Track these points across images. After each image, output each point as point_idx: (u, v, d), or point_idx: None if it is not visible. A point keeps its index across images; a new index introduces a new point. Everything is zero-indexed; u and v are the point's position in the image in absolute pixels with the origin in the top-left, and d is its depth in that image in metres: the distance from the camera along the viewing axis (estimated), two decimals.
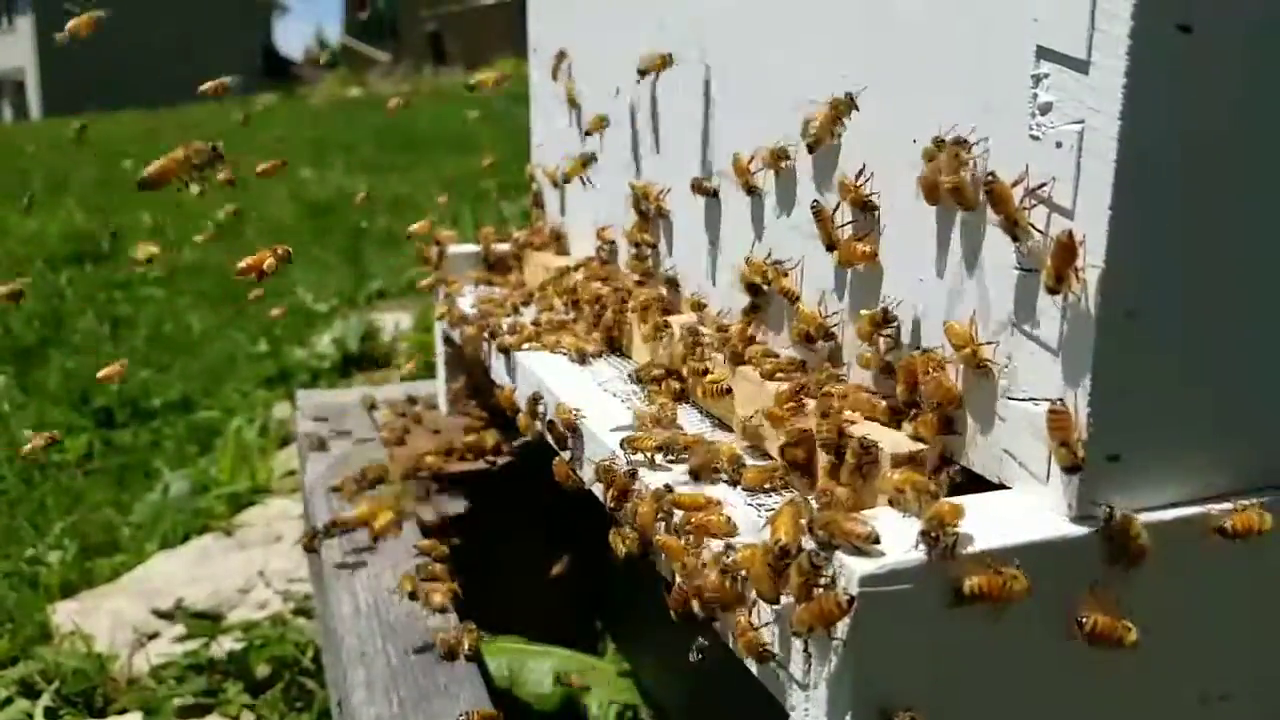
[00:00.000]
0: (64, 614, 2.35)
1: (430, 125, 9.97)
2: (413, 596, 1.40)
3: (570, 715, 1.71)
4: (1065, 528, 0.79)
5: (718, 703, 1.62)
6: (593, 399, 1.27)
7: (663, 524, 0.94)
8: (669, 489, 0.95)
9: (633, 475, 1.02)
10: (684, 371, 1.21)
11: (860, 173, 0.98)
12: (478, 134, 8.51)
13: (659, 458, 1.04)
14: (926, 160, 0.88)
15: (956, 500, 0.77)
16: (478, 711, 1.14)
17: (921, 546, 0.72)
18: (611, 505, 1.04)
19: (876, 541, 0.73)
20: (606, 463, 1.06)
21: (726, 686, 1.40)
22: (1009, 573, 0.72)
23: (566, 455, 1.21)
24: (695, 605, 0.87)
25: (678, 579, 0.90)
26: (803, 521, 0.76)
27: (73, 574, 2.60)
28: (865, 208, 0.98)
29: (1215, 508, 0.80)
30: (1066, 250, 0.74)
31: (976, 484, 0.88)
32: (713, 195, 1.28)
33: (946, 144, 0.85)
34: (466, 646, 1.25)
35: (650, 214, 1.46)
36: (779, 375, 1.07)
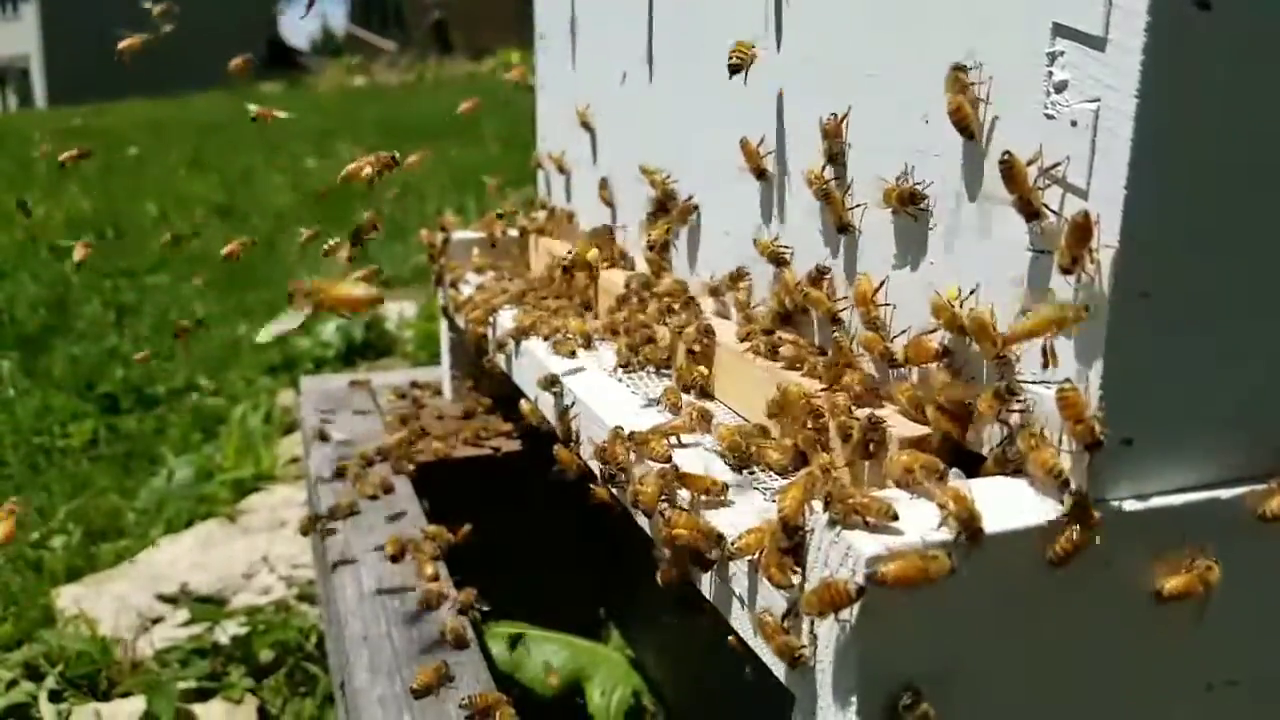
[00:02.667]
0: (68, 598, 2.36)
1: (434, 114, 9.95)
2: (395, 560, 1.43)
3: (572, 701, 1.71)
4: None
5: (719, 689, 1.62)
6: (595, 381, 1.26)
7: (667, 503, 0.94)
8: (675, 468, 0.94)
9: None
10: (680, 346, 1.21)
11: (901, 175, 0.94)
12: (481, 123, 8.50)
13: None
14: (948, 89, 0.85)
15: (965, 490, 0.76)
16: (481, 695, 1.14)
17: (959, 539, 0.72)
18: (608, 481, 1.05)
19: (895, 518, 0.72)
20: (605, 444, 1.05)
21: (728, 672, 1.40)
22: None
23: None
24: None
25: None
26: (814, 497, 0.75)
27: (77, 558, 2.61)
28: (913, 200, 0.92)
29: (1256, 489, 0.80)
30: (1082, 231, 0.73)
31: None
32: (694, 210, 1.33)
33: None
34: (461, 599, 1.27)
35: (661, 199, 1.45)
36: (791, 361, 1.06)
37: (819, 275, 1.07)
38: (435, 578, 1.42)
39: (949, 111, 0.85)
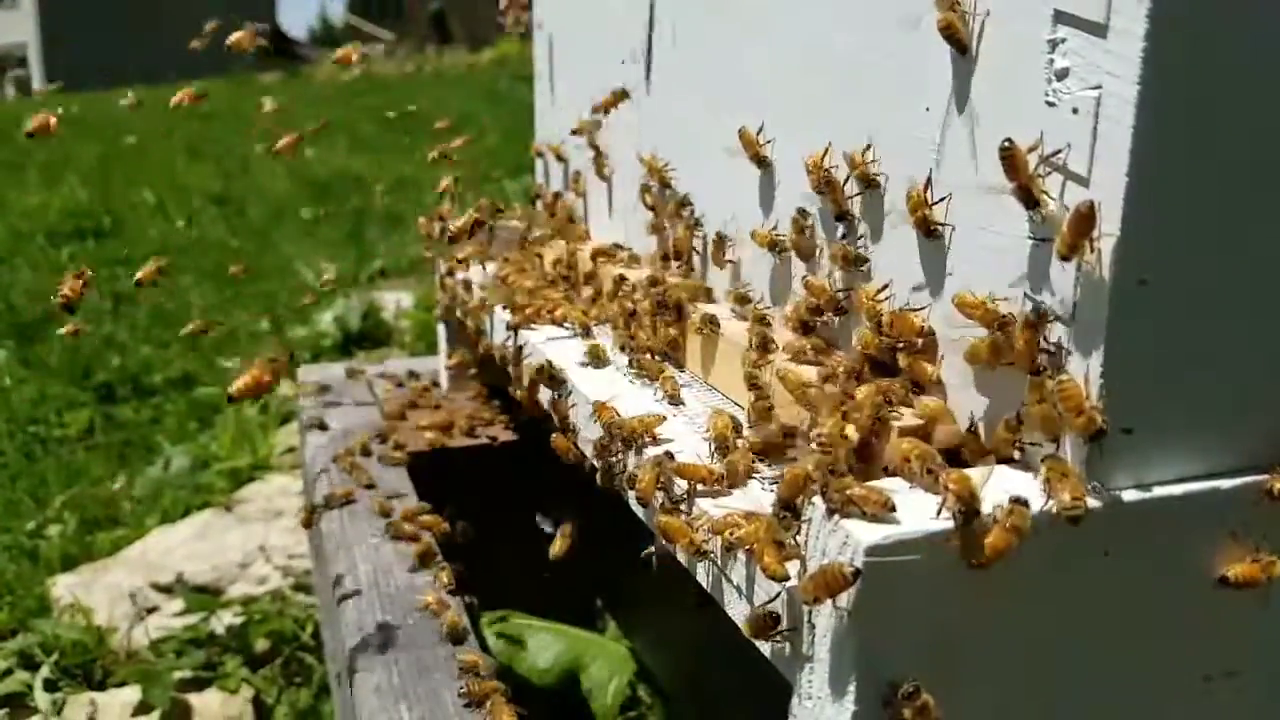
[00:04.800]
0: (63, 587, 2.35)
1: (432, 106, 9.93)
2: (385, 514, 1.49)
3: (569, 691, 1.71)
4: None
5: (717, 679, 1.62)
6: (592, 370, 1.26)
7: (662, 493, 0.93)
8: (670, 456, 0.94)
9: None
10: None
11: (927, 185, 0.90)
12: (480, 114, 8.48)
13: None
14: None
15: (969, 472, 0.76)
16: (479, 683, 1.13)
17: (957, 519, 0.71)
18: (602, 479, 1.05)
19: (892, 509, 0.72)
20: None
21: (726, 664, 1.39)
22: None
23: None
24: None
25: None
26: (811, 483, 0.75)
27: (73, 547, 2.60)
28: (929, 233, 0.90)
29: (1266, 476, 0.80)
30: (1085, 220, 0.73)
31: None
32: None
33: None
34: (446, 580, 1.28)
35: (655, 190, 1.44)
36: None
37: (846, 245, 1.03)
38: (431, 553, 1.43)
39: (939, 28, 0.84)
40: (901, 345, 0.92)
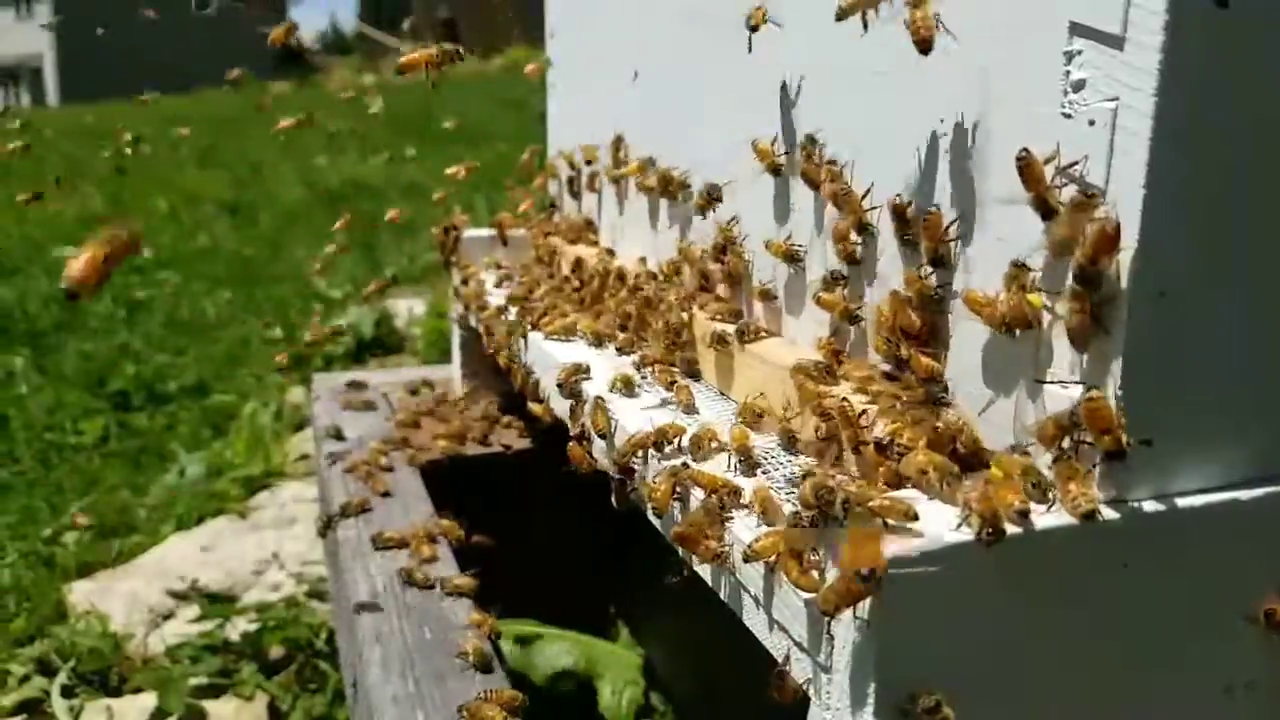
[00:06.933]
0: (80, 593, 2.37)
1: (444, 113, 9.97)
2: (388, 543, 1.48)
3: (583, 699, 1.71)
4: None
5: (730, 686, 1.62)
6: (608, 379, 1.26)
7: (679, 503, 0.94)
8: (685, 466, 0.94)
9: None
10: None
11: (952, 224, 0.89)
12: (493, 122, 8.52)
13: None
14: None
15: (989, 490, 0.75)
16: (495, 691, 1.13)
17: (985, 539, 0.71)
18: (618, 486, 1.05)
19: (915, 518, 0.72)
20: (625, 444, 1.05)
21: (739, 670, 1.39)
22: None
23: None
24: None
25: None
26: (827, 487, 0.75)
27: (89, 554, 2.62)
28: (939, 263, 0.90)
29: None
30: (1109, 240, 0.73)
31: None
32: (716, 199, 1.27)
33: None
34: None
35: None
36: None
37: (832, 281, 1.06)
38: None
39: (909, 24, 0.84)
40: (910, 339, 0.93)
